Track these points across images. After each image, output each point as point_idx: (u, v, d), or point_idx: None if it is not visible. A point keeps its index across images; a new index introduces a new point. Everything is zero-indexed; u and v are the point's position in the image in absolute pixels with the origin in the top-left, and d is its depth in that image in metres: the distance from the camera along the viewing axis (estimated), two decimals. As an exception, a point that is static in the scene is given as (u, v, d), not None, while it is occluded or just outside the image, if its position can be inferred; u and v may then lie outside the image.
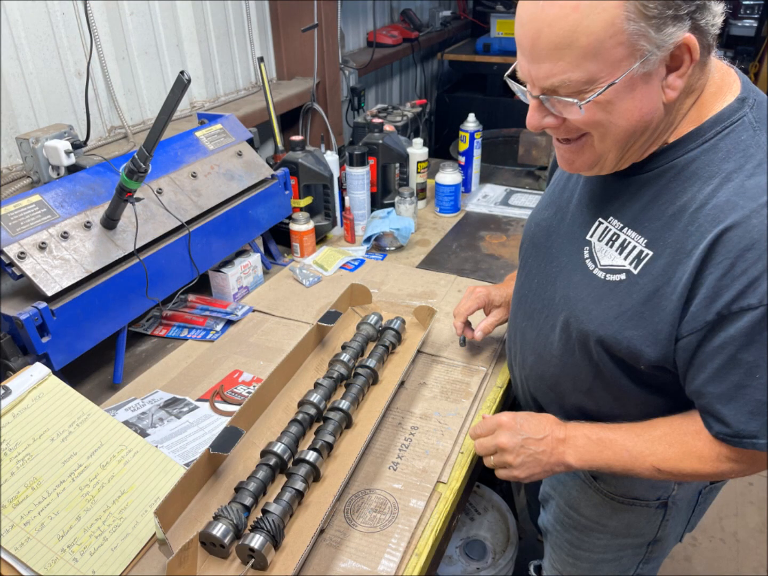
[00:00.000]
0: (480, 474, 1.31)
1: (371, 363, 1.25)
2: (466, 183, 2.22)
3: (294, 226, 1.76)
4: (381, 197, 2.04)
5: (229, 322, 1.51)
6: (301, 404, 1.18)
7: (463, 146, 2.16)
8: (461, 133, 2.14)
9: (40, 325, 1.12)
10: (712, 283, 0.78)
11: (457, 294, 1.61)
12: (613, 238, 0.92)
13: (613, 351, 0.91)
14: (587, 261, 0.95)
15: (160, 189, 1.42)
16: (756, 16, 3.95)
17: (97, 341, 1.26)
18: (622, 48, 0.73)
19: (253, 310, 1.56)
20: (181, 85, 1.05)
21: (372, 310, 1.48)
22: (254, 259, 1.64)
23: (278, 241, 1.85)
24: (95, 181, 1.33)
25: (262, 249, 1.74)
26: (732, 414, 0.82)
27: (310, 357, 1.33)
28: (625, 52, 0.73)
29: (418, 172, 2.06)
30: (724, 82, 0.84)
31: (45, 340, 1.13)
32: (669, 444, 0.91)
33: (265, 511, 0.94)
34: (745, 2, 3.97)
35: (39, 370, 1.00)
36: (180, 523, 0.94)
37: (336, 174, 1.90)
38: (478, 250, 1.85)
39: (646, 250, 0.86)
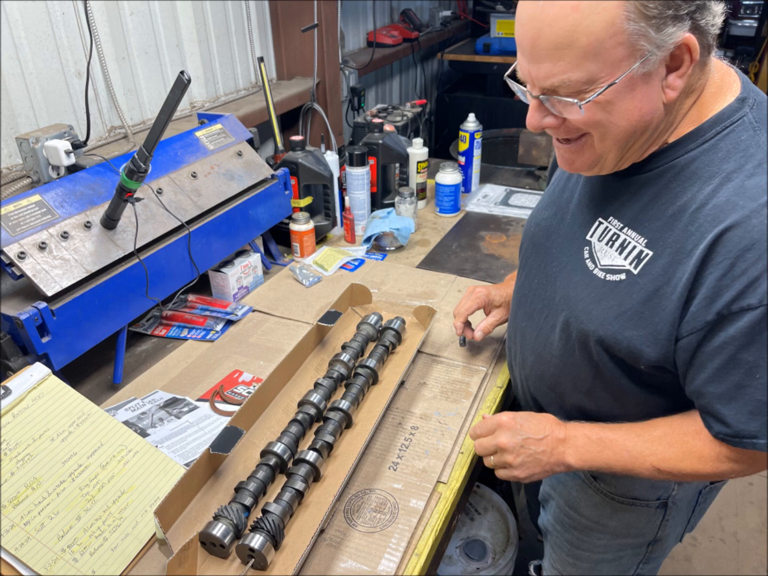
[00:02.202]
0: (480, 474, 1.31)
1: (371, 363, 1.25)
2: (466, 183, 2.22)
3: (294, 226, 1.76)
4: (381, 197, 2.04)
5: (229, 322, 1.51)
6: (301, 404, 1.18)
7: (463, 146, 2.16)
8: (461, 133, 2.14)
9: (40, 325, 1.12)
10: (712, 283, 0.78)
11: (457, 294, 1.61)
12: (613, 238, 0.92)
13: (613, 351, 0.91)
14: (587, 261, 0.95)
15: (160, 189, 1.42)
16: (756, 16, 3.95)
17: (97, 341, 1.26)
18: (622, 48, 0.73)
19: (253, 310, 1.56)
20: (181, 85, 1.05)
21: (372, 310, 1.48)
22: (254, 259, 1.64)
23: (278, 241, 1.85)
24: (95, 181, 1.33)
25: (262, 249, 1.74)
26: (732, 414, 0.82)
27: (310, 357, 1.33)
28: (625, 52, 0.73)
29: (418, 172, 2.06)
30: (724, 82, 0.84)
31: (45, 340, 1.13)
32: (669, 444, 0.91)
33: (265, 511, 0.94)
34: (745, 2, 3.97)
35: (39, 370, 1.00)
36: (180, 523, 0.94)
37: (336, 174, 1.90)
38: (478, 250, 1.85)
39: (646, 250, 0.86)
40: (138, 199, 1.24)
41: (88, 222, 1.26)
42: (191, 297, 1.56)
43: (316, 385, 1.21)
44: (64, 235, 1.21)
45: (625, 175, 0.91)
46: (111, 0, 1.62)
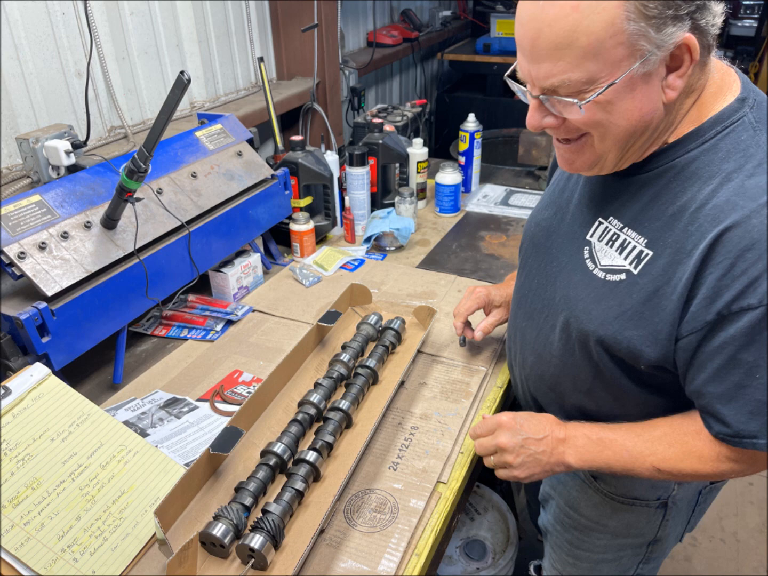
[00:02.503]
0: (480, 474, 1.31)
1: (371, 363, 1.25)
2: (466, 183, 2.22)
3: (294, 226, 1.76)
4: (381, 197, 2.04)
5: (229, 322, 1.51)
6: (301, 404, 1.18)
7: (463, 146, 2.16)
8: (461, 133, 2.14)
9: (40, 325, 1.12)
10: (712, 283, 0.78)
11: (457, 294, 1.61)
12: (613, 238, 0.92)
13: (613, 351, 0.91)
14: (587, 261, 0.95)
15: (160, 189, 1.42)
16: (756, 16, 3.95)
17: (97, 341, 1.26)
18: (622, 48, 0.73)
19: (253, 310, 1.56)
20: (181, 85, 1.05)
21: (372, 310, 1.48)
22: (254, 259, 1.64)
23: (278, 241, 1.85)
24: (95, 181, 1.33)
25: (262, 249, 1.74)
26: (732, 414, 0.82)
27: (310, 357, 1.33)
28: (625, 52, 0.73)
29: (418, 172, 2.06)
30: (724, 82, 0.85)
31: (45, 340, 1.13)
32: (669, 444, 0.91)
33: (265, 511, 0.94)
34: (745, 2, 3.97)
35: (39, 370, 1.00)
36: (180, 523, 0.94)
37: (336, 174, 1.90)
38: (478, 250, 1.85)
39: (646, 250, 0.86)
40: (138, 199, 1.24)
41: (88, 222, 1.26)
42: (191, 297, 1.56)
43: (316, 385, 1.21)
44: (64, 235, 1.21)
45: (625, 175, 0.91)
46: (111, 0, 1.62)
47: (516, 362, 1.16)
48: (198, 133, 1.60)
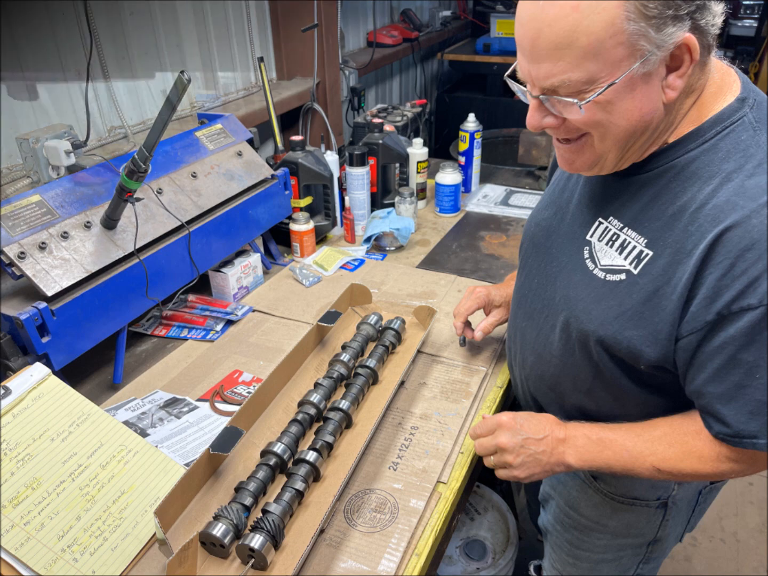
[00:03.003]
0: (480, 474, 1.31)
1: (371, 363, 1.25)
2: (466, 183, 2.22)
3: (294, 226, 1.76)
4: (381, 197, 2.04)
5: (229, 322, 1.51)
6: (301, 404, 1.18)
7: (463, 146, 2.16)
8: (461, 133, 2.14)
9: (40, 325, 1.12)
10: (712, 283, 0.78)
11: (457, 294, 1.61)
12: (613, 238, 0.92)
13: (613, 351, 0.91)
14: (587, 261, 0.95)
15: (160, 189, 1.42)
16: (756, 16, 3.95)
17: (97, 341, 1.26)
18: (622, 48, 0.73)
19: (253, 310, 1.56)
20: (181, 85, 1.05)
21: (372, 310, 1.48)
22: (254, 259, 1.64)
23: (278, 241, 1.85)
24: (95, 181, 1.33)
25: (262, 249, 1.74)
26: (732, 414, 0.82)
27: (310, 357, 1.33)
28: (625, 52, 0.73)
29: (418, 172, 2.06)
30: (724, 82, 0.85)
31: (45, 340, 1.13)
32: (669, 444, 0.91)
33: (265, 511, 0.94)
34: (745, 2, 3.97)
35: (39, 370, 1.00)
36: (180, 523, 0.94)
37: (336, 174, 1.90)
38: (478, 250, 1.85)
39: (646, 250, 0.86)
40: (138, 199, 1.24)
41: (88, 222, 1.26)
42: (191, 297, 1.56)
43: (316, 385, 1.21)
44: (64, 235, 1.21)
45: (625, 175, 0.91)
46: (111, 0, 1.62)
47: (516, 362, 1.16)
48: (198, 133, 1.60)
